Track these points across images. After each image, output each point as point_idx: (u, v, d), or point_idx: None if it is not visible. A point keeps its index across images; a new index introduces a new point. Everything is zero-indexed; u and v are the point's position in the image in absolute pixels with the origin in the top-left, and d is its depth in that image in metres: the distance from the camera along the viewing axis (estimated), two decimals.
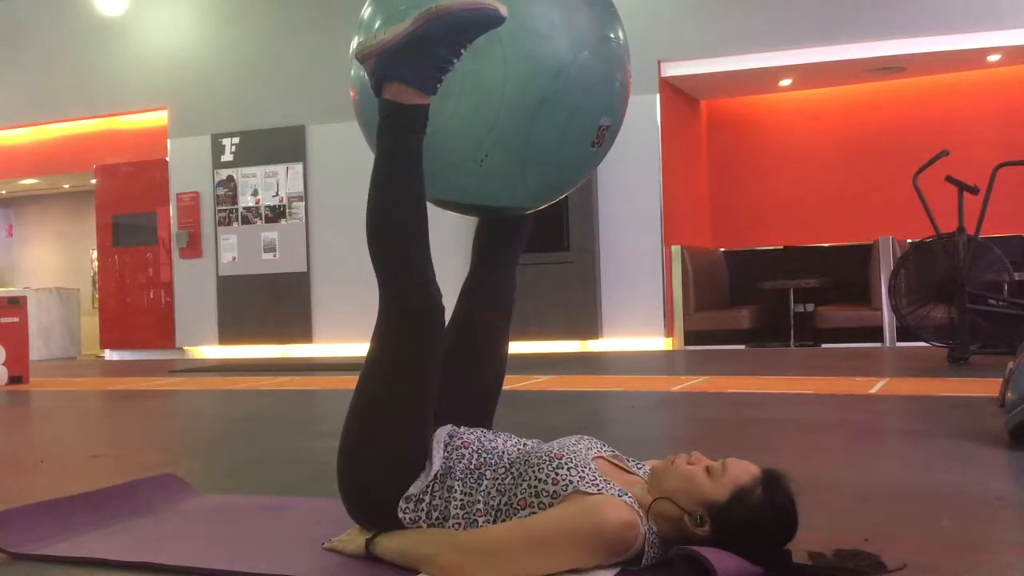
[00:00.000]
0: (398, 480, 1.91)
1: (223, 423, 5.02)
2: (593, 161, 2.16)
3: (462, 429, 2.04)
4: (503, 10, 1.82)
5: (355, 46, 2.01)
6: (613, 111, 2.10)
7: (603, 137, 2.08)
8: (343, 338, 9.56)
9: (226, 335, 10.22)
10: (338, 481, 1.99)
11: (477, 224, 2.32)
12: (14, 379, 7.21)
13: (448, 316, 2.07)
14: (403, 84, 1.89)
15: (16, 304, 7.45)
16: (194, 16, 10.29)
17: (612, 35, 2.09)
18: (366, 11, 2.11)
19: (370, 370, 1.97)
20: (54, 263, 14.28)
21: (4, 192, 13.93)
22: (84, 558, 2.06)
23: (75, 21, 10.94)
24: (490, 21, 1.82)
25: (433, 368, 1.96)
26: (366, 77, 1.96)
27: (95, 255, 12.39)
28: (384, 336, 1.96)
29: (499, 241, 2.30)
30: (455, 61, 1.87)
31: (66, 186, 13.40)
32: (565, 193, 2.23)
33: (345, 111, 9.74)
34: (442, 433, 2.00)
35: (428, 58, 1.86)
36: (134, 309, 10.89)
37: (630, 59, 2.17)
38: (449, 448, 1.96)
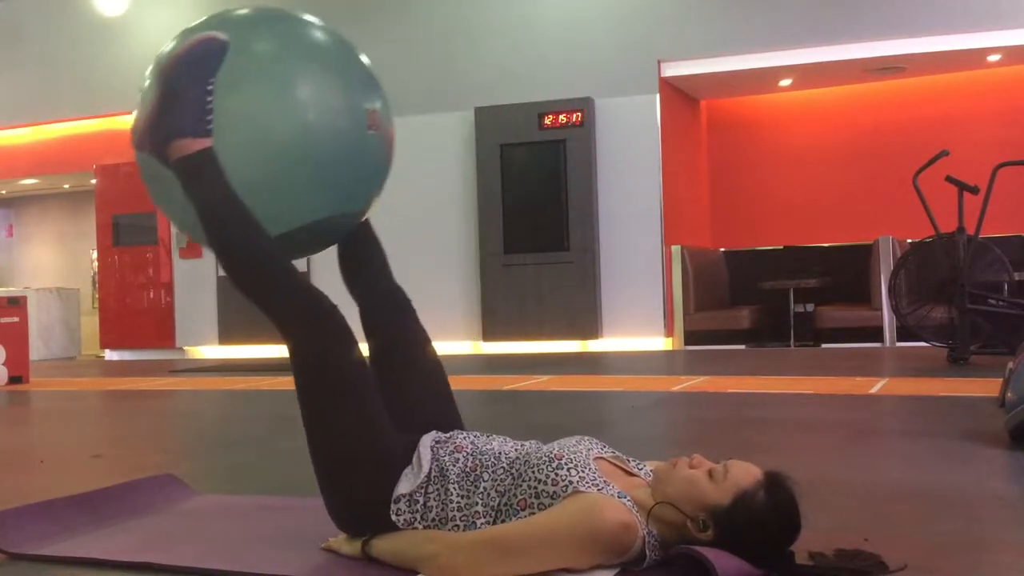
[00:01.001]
0: (377, 479, 1.91)
1: (223, 423, 5.02)
2: (379, 144, 2.20)
3: (453, 433, 2.04)
4: (221, 36, 1.98)
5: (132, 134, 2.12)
6: (375, 95, 2.19)
7: (376, 120, 2.17)
8: None
9: (226, 335, 10.21)
10: (324, 500, 2.00)
11: (338, 267, 2.33)
12: (14, 379, 7.20)
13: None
14: (179, 138, 1.98)
15: (16, 304, 7.45)
16: (194, 16, 10.17)
17: (335, 34, 2.23)
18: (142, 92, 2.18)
19: (301, 388, 1.99)
20: (54, 263, 14.28)
21: (4, 192, 13.93)
22: (83, 558, 2.06)
23: (75, 21, 10.94)
24: (216, 49, 1.97)
25: (353, 361, 1.96)
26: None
27: (95, 255, 12.39)
28: (295, 354, 1.98)
29: (359, 263, 2.30)
30: (210, 98, 1.97)
31: (66, 186, 13.40)
32: (377, 186, 2.26)
33: None
34: (427, 439, 2.00)
35: (185, 105, 1.96)
36: (134, 309, 10.88)
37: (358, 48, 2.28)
38: (440, 452, 1.96)
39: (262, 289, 2.01)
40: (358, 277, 2.29)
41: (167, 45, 2.09)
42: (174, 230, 10.39)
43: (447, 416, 2.15)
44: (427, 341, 2.24)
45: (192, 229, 2.13)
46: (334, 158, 2.09)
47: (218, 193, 1.98)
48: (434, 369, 2.22)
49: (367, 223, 2.33)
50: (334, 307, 2.00)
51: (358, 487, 1.92)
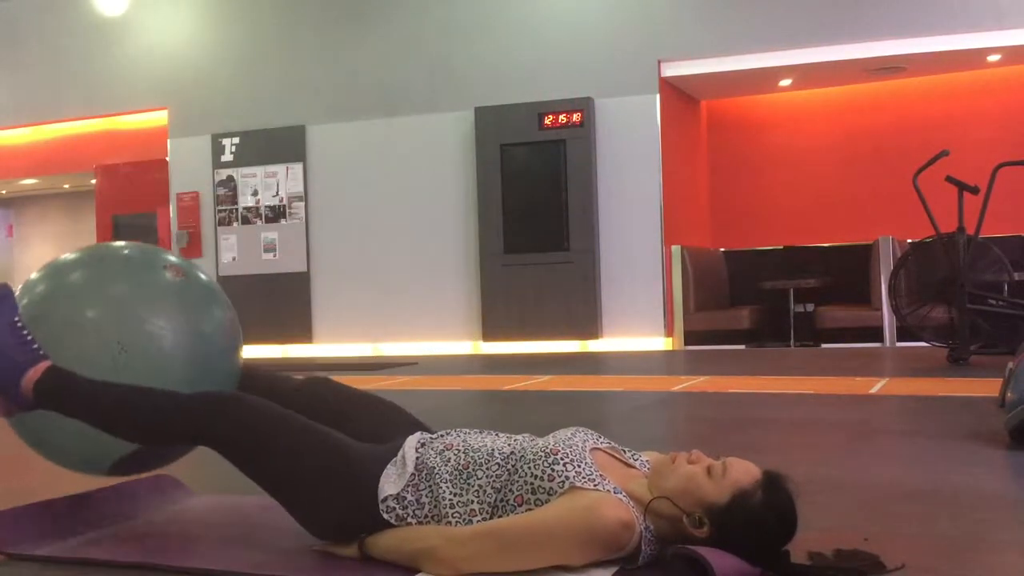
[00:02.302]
0: (355, 493, 1.91)
1: None
2: (195, 287, 2.28)
3: (441, 432, 2.05)
4: (3, 284, 2.10)
5: None
6: (166, 256, 2.31)
7: (179, 270, 2.27)
8: (343, 338, 9.56)
9: None
10: (309, 531, 2.00)
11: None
12: None
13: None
14: (21, 378, 2.01)
15: None
16: (194, 16, 10.28)
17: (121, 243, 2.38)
18: None
19: (253, 464, 1.99)
20: None
21: (4, 192, 13.93)
22: (82, 558, 2.06)
23: (75, 21, 10.93)
24: (2, 292, 2.05)
25: (271, 410, 1.99)
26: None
27: None
28: (225, 443, 1.99)
29: (263, 388, 2.28)
30: (25, 331, 2.04)
31: (66, 186, 13.40)
32: (224, 337, 2.29)
33: (345, 111, 9.67)
34: (412, 440, 2.01)
35: (6, 351, 2.01)
36: None
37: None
38: (428, 451, 1.95)
39: (185, 429, 2.02)
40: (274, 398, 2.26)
41: None
42: (174, 229, 10.41)
43: (401, 417, 2.20)
44: (346, 388, 2.29)
45: (94, 460, 2.21)
46: (168, 319, 2.15)
47: (82, 390, 2.02)
48: (362, 396, 2.27)
49: (246, 369, 2.34)
50: (221, 392, 2.07)
51: (339, 507, 1.92)
